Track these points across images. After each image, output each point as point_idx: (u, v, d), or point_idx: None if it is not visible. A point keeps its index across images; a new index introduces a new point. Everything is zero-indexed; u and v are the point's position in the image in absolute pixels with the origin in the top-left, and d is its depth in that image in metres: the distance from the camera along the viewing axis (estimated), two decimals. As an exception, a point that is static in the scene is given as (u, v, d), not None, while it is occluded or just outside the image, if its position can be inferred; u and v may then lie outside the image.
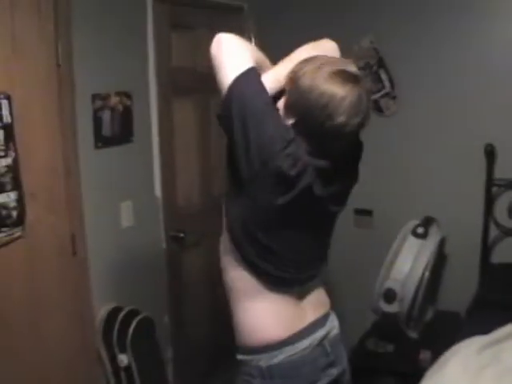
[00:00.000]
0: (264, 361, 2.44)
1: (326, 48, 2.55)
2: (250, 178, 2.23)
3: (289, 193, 2.23)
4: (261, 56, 2.50)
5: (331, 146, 2.28)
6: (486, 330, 2.95)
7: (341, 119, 2.17)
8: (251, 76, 2.25)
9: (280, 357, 2.43)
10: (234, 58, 2.28)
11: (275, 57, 4.58)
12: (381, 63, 4.66)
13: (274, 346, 2.43)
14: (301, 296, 2.52)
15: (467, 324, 3.72)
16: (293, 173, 2.19)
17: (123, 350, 3.64)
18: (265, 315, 2.46)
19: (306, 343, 2.47)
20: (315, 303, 2.57)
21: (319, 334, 2.52)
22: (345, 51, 4.62)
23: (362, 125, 2.26)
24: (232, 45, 2.32)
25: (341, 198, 2.48)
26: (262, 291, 2.44)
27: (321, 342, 2.52)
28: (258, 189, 2.25)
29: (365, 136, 4.74)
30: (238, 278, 2.47)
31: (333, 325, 2.62)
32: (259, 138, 2.17)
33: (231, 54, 2.29)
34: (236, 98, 2.19)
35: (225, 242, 2.50)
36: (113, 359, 3.67)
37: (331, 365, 2.56)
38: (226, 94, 2.22)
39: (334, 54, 2.53)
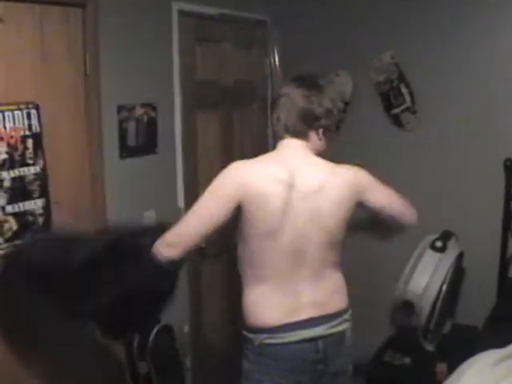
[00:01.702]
0: (258, 340, 2.76)
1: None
2: None
3: None
4: None
5: None
6: (502, 343, 2.97)
7: None
8: None
9: (269, 340, 2.74)
10: None
11: (299, 68, 4.69)
12: (401, 78, 4.68)
13: (266, 329, 2.74)
14: (302, 294, 2.76)
15: (484, 337, 3.72)
16: None
17: (143, 358, 3.68)
18: (261, 302, 2.78)
19: (295, 335, 2.73)
20: (316, 303, 2.78)
21: (312, 331, 2.75)
22: (366, 66, 4.71)
23: None
24: None
25: None
26: (263, 280, 2.75)
27: (313, 339, 2.75)
28: None
29: (385, 150, 4.80)
30: (244, 266, 2.79)
31: (337, 329, 2.81)
32: None
33: None
34: None
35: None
36: (133, 367, 3.71)
37: (319, 361, 2.78)
38: None
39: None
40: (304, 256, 2.73)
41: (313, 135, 2.83)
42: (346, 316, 2.86)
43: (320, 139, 2.84)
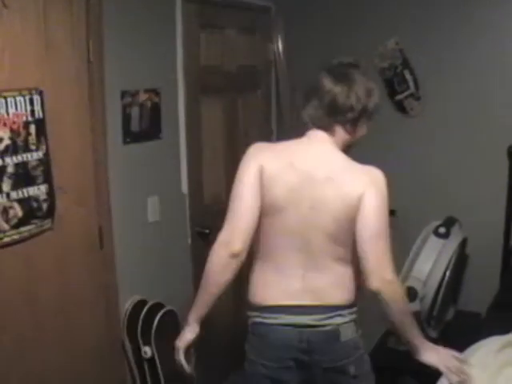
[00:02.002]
0: (251, 318, 2.84)
1: None
2: None
3: None
4: None
5: None
6: (505, 330, 2.99)
7: None
8: None
9: (258, 319, 2.79)
10: None
11: (303, 55, 4.67)
12: (406, 64, 4.68)
13: (259, 308, 2.79)
14: (299, 280, 2.74)
15: (487, 324, 3.72)
16: None
17: (147, 343, 3.69)
18: (260, 281, 2.82)
19: (280, 319, 2.73)
20: (312, 291, 2.74)
21: (298, 318, 2.72)
22: (370, 52, 4.69)
23: None
24: None
25: None
26: (265, 260, 2.78)
27: (299, 327, 2.71)
28: None
29: (388, 136, 4.80)
30: (253, 244, 2.77)
31: (327, 322, 2.72)
32: None
33: None
34: None
35: None
36: (137, 351, 3.73)
37: (304, 352, 2.74)
38: None
39: None
40: (308, 243, 2.70)
41: (339, 129, 2.74)
42: (343, 312, 2.74)
43: (348, 133, 2.76)
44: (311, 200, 2.66)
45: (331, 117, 2.71)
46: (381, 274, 2.62)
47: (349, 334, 2.75)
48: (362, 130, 2.82)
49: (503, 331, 3.03)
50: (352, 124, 2.74)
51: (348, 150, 2.80)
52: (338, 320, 2.72)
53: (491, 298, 4.18)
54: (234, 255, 2.65)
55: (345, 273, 2.76)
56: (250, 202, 2.67)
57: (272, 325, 2.75)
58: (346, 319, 2.75)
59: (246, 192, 2.68)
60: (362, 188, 2.63)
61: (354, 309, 2.80)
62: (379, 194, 2.65)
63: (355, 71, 2.75)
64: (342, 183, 2.66)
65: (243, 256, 2.68)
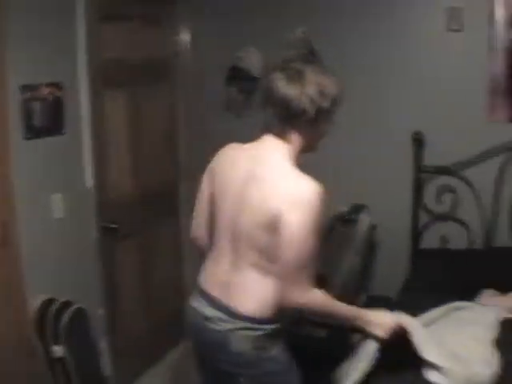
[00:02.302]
0: None
1: None
2: None
3: None
4: None
5: None
6: (415, 312, 3.03)
7: None
8: None
9: (190, 299, 2.88)
10: None
11: (209, 46, 4.61)
12: (312, 53, 4.69)
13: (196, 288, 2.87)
14: (221, 272, 2.75)
15: (397, 308, 3.77)
16: None
17: (57, 342, 3.63)
18: (205, 263, 2.90)
19: (199, 304, 2.78)
20: (228, 290, 2.69)
21: (208, 310, 2.72)
22: (278, 41, 4.67)
23: None
24: None
25: None
26: (213, 245, 2.84)
27: (205, 319, 2.71)
28: None
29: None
30: None
31: (223, 323, 2.64)
32: None
33: None
34: None
35: None
36: (47, 351, 3.66)
37: (203, 343, 2.78)
38: None
39: None
40: (236, 242, 2.67)
41: (294, 133, 2.63)
42: (244, 324, 2.61)
43: (304, 136, 2.65)
44: (242, 200, 2.63)
45: (285, 122, 2.61)
46: (289, 299, 2.56)
47: (242, 346, 2.62)
48: (322, 130, 2.72)
49: (413, 313, 3.08)
50: (308, 127, 2.63)
51: (308, 150, 2.73)
52: (230, 326, 2.62)
53: (401, 282, 4.25)
54: (191, 240, 3.05)
55: (259, 282, 2.63)
56: (201, 202, 2.93)
57: (192, 307, 2.80)
58: (242, 331, 2.61)
59: (198, 196, 2.94)
60: (281, 209, 2.49)
61: (263, 325, 2.63)
62: (302, 216, 2.48)
63: (308, 68, 2.60)
64: (270, 193, 2.55)
65: (199, 242, 3.00)
